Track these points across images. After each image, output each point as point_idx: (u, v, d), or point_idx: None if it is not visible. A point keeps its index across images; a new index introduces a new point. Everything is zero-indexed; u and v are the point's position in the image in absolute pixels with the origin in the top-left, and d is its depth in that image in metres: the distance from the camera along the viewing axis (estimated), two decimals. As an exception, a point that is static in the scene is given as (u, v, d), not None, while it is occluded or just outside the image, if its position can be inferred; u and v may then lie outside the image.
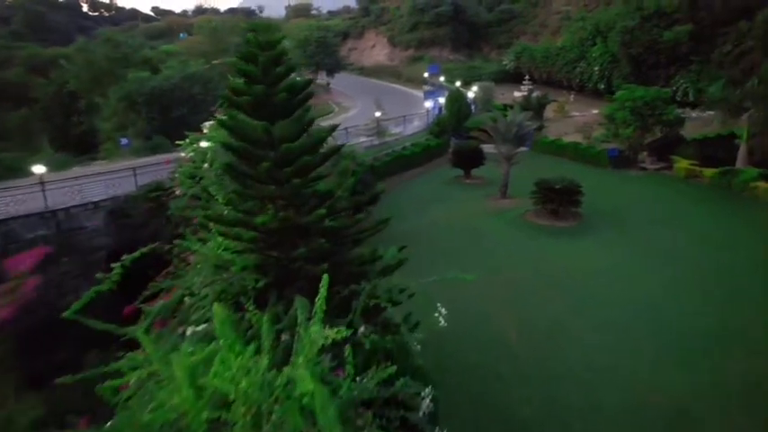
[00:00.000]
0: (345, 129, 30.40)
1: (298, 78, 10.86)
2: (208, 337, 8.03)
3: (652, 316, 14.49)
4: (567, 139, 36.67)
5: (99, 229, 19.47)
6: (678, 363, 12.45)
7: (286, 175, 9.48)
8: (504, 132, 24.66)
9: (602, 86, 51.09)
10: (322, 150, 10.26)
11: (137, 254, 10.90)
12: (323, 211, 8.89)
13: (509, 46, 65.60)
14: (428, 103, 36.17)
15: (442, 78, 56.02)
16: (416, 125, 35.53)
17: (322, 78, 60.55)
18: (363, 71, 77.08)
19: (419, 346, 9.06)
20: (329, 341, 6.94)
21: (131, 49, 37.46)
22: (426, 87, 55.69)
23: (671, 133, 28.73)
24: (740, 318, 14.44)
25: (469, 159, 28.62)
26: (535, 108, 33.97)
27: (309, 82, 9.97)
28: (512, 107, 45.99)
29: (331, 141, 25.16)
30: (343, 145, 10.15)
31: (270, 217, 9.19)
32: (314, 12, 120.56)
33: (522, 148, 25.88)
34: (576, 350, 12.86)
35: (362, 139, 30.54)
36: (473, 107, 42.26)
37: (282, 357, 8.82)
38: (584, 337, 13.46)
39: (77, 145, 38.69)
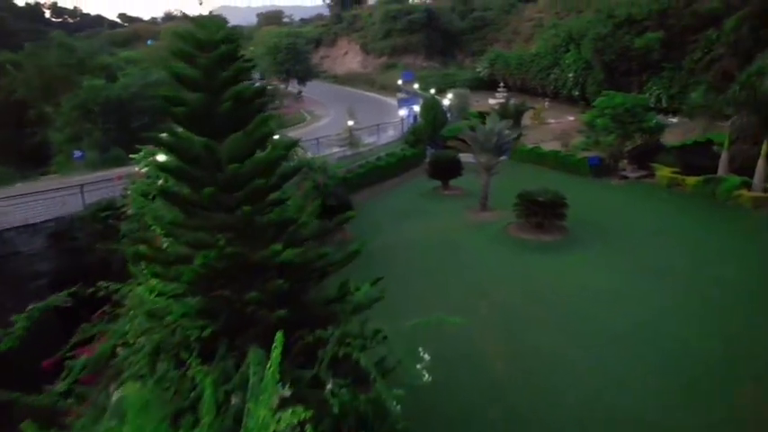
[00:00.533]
0: (317, 139, 28.82)
1: (258, 84, 9.27)
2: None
3: (653, 342, 13.24)
4: (545, 146, 35.81)
5: (39, 254, 17.34)
6: (686, 396, 11.19)
7: (235, 201, 7.83)
8: (484, 142, 23.43)
9: (577, 93, 50.76)
10: (282, 169, 8.64)
11: (59, 297, 9.11)
12: (278, 247, 7.25)
13: (483, 53, 65.03)
14: (402, 112, 34.87)
15: (416, 86, 54.93)
16: (391, 134, 34.16)
17: (293, 86, 58.89)
18: (336, 79, 75.59)
19: (399, 406, 7.50)
20: (284, 426, 5.41)
21: (87, 55, 35.10)
22: (400, 95, 54.51)
23: (651, 141, 28.00)
24: (744, 338, 13.34)
25: (447, 170, 27.32)
26: (513, 116, 33.00)
27: (263, 90, 8.34)
28: (488, 115, 45.23)
29: (301, 154, 23.57)
30: (299, 168, 8.47)
31: (216, 253, 7.53)
32: (285, 20, 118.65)
33: (502, 158, 24.66)
34: (574, 387, 11.46)
35: (335, 149, 28.97)
36: (448, 115, 41.14)
37: (232, 427, 7.11)
38: (582, 371, 12.09)
39: (30, 158, 36.04)
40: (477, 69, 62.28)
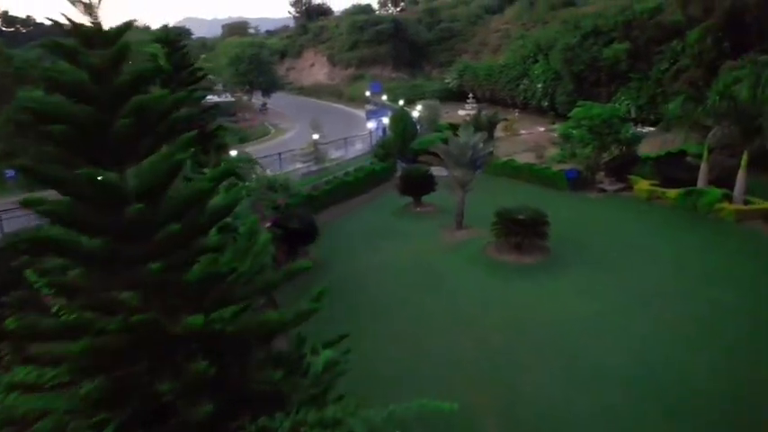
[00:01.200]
0: (279, 154, 26.73)
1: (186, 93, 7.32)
2: None
3: (654, 382, 11.66)
4: (518, 158, 34.57)
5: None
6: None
7: (145, 252, 5.76)
8: (458, 156, 21.81)
9: (546, 104, 50.18)
10: (213, 206, 6.60)
11: None
12: (197, 319, 5.23)
13: (450, 64, 64.19)
14: (371, 124, 33.14)
15: (384, 97, 53.44)
16: (359, 148, 32.34)
17: (258, 98, 56.50)
18: (303, 91, 73.54)
19: None
20: None
21: (26, 65, 32.13)
22: (369, 107, 52.86)
23: (628, 152, 26.99)
24: (755, 372, 11.92)
25: (419, 186, 25.60)
26: (485, 127, 31.66)
27: (180, 99, 6.31)
28: (459, 126, 43.99)
29: (260, 172, 21.46)
30: (231, 206, 6.39)
31: (117, 325, 5.46)
32: (251, 31, 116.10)
33: (477, 172, 23.09)
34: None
35: (299, 165, 26.92)
36: (418, 127, 39.61)
37: None
38: (587, 424, 10.36)
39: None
40: (446, 80, 61.31)
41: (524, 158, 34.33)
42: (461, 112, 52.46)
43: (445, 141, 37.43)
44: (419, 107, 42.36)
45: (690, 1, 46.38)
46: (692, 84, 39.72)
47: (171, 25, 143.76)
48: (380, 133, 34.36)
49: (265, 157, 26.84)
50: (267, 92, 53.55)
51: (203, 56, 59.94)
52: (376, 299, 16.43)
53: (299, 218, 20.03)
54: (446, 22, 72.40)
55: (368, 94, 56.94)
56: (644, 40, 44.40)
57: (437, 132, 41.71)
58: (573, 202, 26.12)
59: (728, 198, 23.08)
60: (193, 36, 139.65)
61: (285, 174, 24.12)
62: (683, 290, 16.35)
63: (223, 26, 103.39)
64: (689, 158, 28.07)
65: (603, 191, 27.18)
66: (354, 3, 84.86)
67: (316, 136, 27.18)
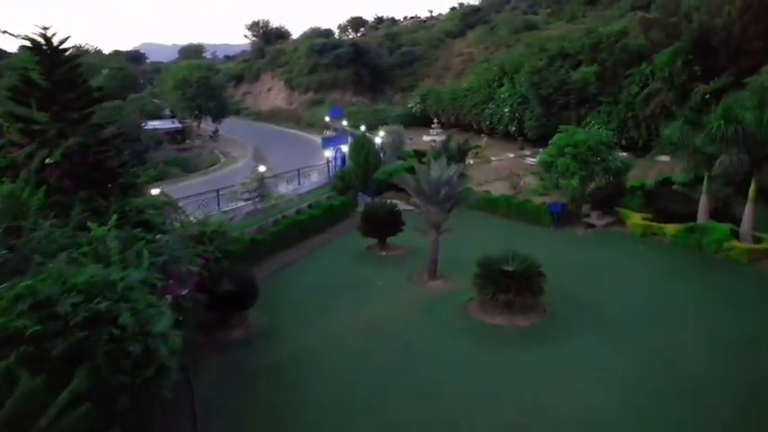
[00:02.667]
0: (217, 191, 22.13)
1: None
2: None
3: None
4: (491, 188, 31.11)
5: None
6: None
7: None
8: (430, 193, 17.83)
9: (514, 128, 47.50)
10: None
11: None
12: None
13: (413, 88, 61.23)
14: (328, 153, 29.05)
15: (344, 123, 49.59)
16: (315, 180, 28.08)
17: (207, 124, 51.60)
18: (260, 116, 68.98)
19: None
20: None
21: None
22: (329, 133, 48.86)
23: (616, 182, 23.76)
24: None
25: (384, 225, 21.47)
26: (455, 156, 28.03)
27: None
28: (424, 153, 40.53)
29: (188, 217, 16.82)
30: None
31: None
32: (207, 55, 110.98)
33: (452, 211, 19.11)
34: None
35: (241, 203, 22.39)
36: (382, 155, 35.75)
37: None
38: None
39: None
40: (409, 105, 58.18)
41: (498, 188, 30.86)
42: (426, 138, 49.18)
43: (412, 171, 33.71)
44: (382, 133, 38.61)
45: (651, 26, 45.22)
46: (665, 107, 37.81)
47: (127, 50, 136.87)
48: (339, 163, 30.27)
49: (201, 194, 22.20)
50: (217, 117, 48.80)
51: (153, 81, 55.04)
52: (327, 404, 11.87)
53: (234, 276, 15.50)
54: (407, 46, 69.78)
55: (327, 119, 52.98)
56: (611, 63, 42.43)
57: (402, 160, 38.00)
58: (560, 240, 22.49)
59: (735, 234, 19.95)
60: (149, 60, 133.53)
61: (221, 216, 19.52)
62: (724, 367, 12.63)
63: (179, 51, 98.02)
64: (675, 186, 25.21)
65: (591, 226, 23.74)
66: (313, 26, 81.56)
67: (262, 168, 22.81)
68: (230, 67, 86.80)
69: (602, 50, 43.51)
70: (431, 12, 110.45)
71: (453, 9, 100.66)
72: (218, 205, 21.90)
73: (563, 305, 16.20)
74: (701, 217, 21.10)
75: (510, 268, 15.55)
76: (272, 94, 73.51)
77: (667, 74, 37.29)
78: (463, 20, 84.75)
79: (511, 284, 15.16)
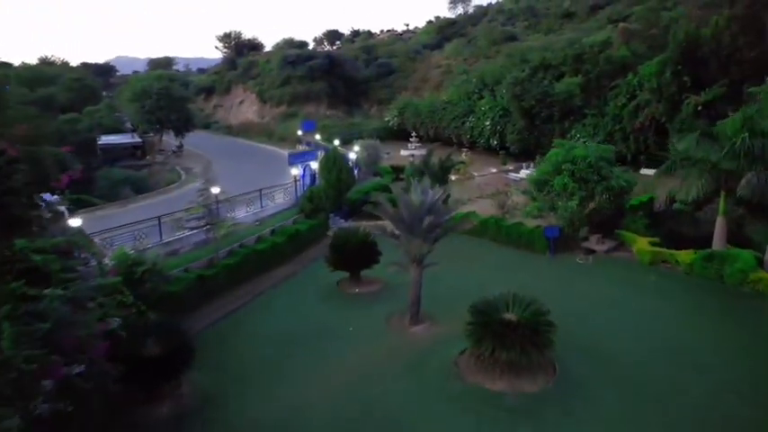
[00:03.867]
0: (158, 218, 18.44)
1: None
2: None
3: None
4: (476, 208, 28.05)
5: None
6: None
7: None
8: (411, 222, 14.55)
9: (496, 142, 44.82)
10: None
11: None
12: None
13: (390, 101, 58.33)
14: (295, 170, 25.61)
15: (317, 136, 46.21)
16: (280, 202, 24.55)
17: (169, 138, 47.50)
18: (231, 130, 65.11)
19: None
20: None
21: None
22: (302, 147, 45.41)
23: (619, 202, 20.89)
24: None
25: (357, 256, 18.07)
26: (437, 174, 24.93)
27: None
28: (402, 169, 37.46)
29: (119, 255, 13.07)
30: None
31: None
32: (180, 68, 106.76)
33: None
34: None
35: (187, 232, 18.74)
36: (356, 172, 32.49)
37: None
38: None
39: None
40: (386, 118, 55.18)
41: (483, 208, 27.82)
42: (404, 152, 46.13)
43: (388, 189, 30.45)
44: (357, 147, 35.37)
45: (632, 37, 43.36)
46: (654, 119, 35.59)
47: (98, 62, 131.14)
48: (309, 181, 26.87)
49: (139, 222, 18.44)
50: (181, 131, 44.88)
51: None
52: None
53: (162, 333, 11.89)
54: (384, 58, 67.09)
55: (300, 133, 49.53)
56: (596, 74, 40.19)
57: (378, 177, 34.79)
58: (559, 270, 19.41)
59: (759, 263, 17.19)
60: (119, 73, 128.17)
61: (155, 253, 15.86)
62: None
63: (148, 63, 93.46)
64: (675, 206, 22.52)
65: (592, 252, 20.76)
66: (287, 37, 78.29)
67: (215, 190, 19.24)
68: (202, 79, 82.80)
69: (586, 61, 41.29)
70: (407, 25, 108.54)
71: (430, 22, 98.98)
72: (161, 236, 18.18)
73: (575, 359, 13.01)
74: (718, 242, 18.34)
75: (512, 317, 12.33)
76: (244, 107, 69.77)
77: (656, 85, 35.09)
78: (440, 32, 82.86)
79: (514, 339, 11.90)
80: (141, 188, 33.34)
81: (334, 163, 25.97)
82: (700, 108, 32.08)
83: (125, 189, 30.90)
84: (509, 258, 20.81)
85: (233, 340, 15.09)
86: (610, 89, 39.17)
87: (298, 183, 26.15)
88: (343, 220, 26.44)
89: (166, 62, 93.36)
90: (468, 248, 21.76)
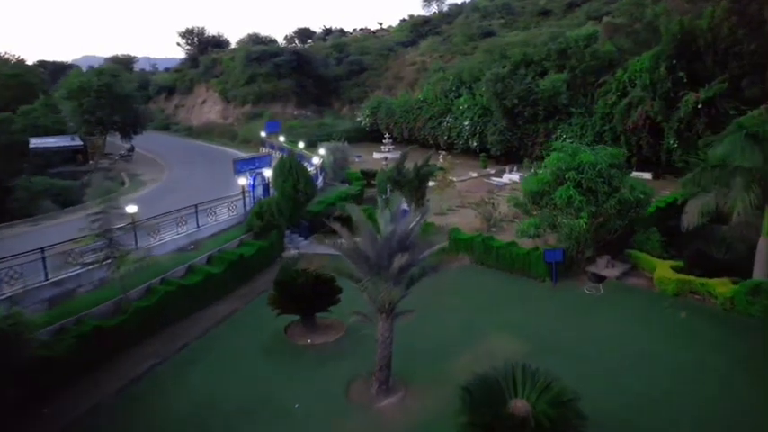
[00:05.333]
0: (42, 250, 13.61)
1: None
2: None
3: None
4: (455, 220, 23.98)
5: None
6: None
7: None
8: (377, 261, 10.20)
9: (475, 144, 40.90)
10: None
11: None
12: None
13: (362, 101, 53.93)
14: (243, 180, 20.91)
15: (281, 138, 41.49)
16: (224, 218, 19.86)
17: (113, 139, 41.76)
18: (192, 131, 59.64)
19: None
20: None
21: None
22: (265, 150, 40.65)
23: (637, 217, 16.93)
24: None
25: (310, 296, 13.59)
26: (412, 183, 20.64)
27: None
28: (374, 174, 33.12)
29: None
30: None
31: None
32: (146, 67, 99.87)
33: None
34: None
35: (80, 268, 13.97)
36: (320, 178, 28.00)
37: None
38: None
39: None
40: (358, 119, 50.76)
41: (465, 220, 23.75)
42: (377, 155, 41.78)
43: (359, 199, 26.06)
44: (322, 151, 30.86)
45: (615, 32, 40.03)
46: (648, 118, 32.15)
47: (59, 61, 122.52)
48: (261, 192, 22.29)
49: (16, 257, 13.52)
50: (128, 133, 39.47)
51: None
52: None
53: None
54: (355, 55, 62.55)
55: (263, 134, 44.71)
56: (581, 70, 36.54)
57: (346, 184, 30.33)
58: (565, 305, 15.31)
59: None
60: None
61: (16, 308, 11.11)
62: None
63: (105, 61, 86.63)
64: (685, 220, 18.75)
65: (600, 278, 16.76)
66: (251, 32, 73.07)
67: (131, 209, 14.49)
68: (164, 78, 76.72)
69: (571, 57, 37.57)
70: (380, 24, 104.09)
71: (403, 21, 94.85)
72: (45, 274, 13.35)
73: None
74: (761, 269, 14.54)
75: (524, 408, 8.11)
76: (206, 107, 64.30)
77: (648, 81, 31.56)
78: (414, 31, 78.73)
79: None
80: (70, 200, 28.10)
81: (290, 170, 21.44)
82: (700, 106, 28.79)
83: (46, 202, 25.66)
84: (501, 288, 16.67)
85: (125, 426, 10.50)
86: (597, 86, 35.67)
87: (247, 195, 21.51)
88: (302, 239, 21.94)
89: (128, 60, 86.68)
90: (452, 274, 17.50)
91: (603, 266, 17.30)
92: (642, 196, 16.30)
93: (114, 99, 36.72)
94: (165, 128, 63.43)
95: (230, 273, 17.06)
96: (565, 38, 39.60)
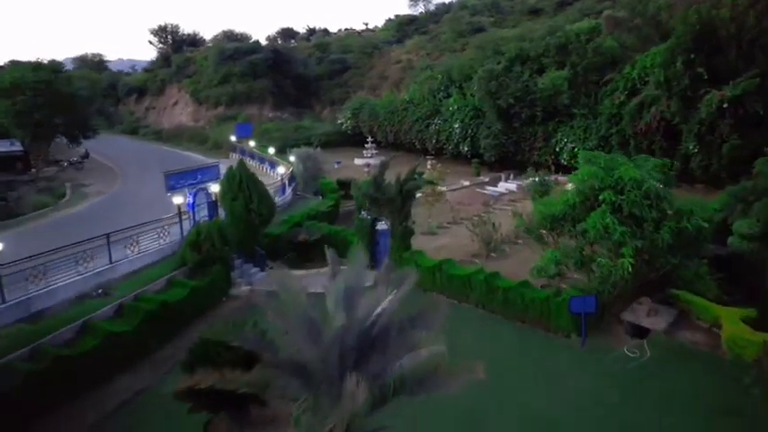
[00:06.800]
0: None
1: None
2: None
3: None
4: (447, 242, 19.61)
5: None
6: None
7: None
8: (323, 365, 5.62)
9: (467, 148, 36.63)
10: None
11: None
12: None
13: (345, 102, 49.36)
14: (179, 198, 16.09)
15: (252, 143, 36.74)
16: (153, 249, 15.08)
17: (60, 143, 36.41)
18: (161, 135, 54.51)
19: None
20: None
21: None
22: (236, 156, 35.77)
23: (694, 250, 12.52)
24: None
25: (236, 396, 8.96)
26: (394, 202, 16.02)
27: None
28: (350, 184, 28.32)
29: None
30: None
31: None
32: (124, 68, 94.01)
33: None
34: None
35: None
36: (287, 191, 23.33)
37: None
38: None
39: None
40: (339, 121, 46.17)
41: (459, 241, 19.38)
42: (359, 161, 37.18)
43: (332, 215, 21.48)
44: (292, 158, 26.16)
45: (617, 27, 35.99)
46: (663, 120, 28.11)
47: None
48: (207, 214, 17.55)
49: None
50: (75, 138, 34.27)
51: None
52: None
53: None
54: (337, 53, 57.93)
55: (233, 138, 39.88)
56: (583, 66, 32.42)
57: (319, 197, 25.67)
58: (603, 380, 10.78)
59: None
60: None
61: None
62: None
63: (73, 60, 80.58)
64: (731, 241, 14.51)
65: (641, 331, 12.35)
66: (226, 29, 68.07)
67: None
68: (137, 78, 71.30)
69: (572, 52, 33.43)
70: (366, 24, 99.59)
71: (389, 20, 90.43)
72: None
73: None
74: None
75: None
76: (178, 109, 59.17)
77: (663, 78, 27.41)
78: (400, 30, 74.42)
79: None
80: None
81: (241, 184, 16.73)
82: (725, 105, 24.74)
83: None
84: (511, 348, 12.18)
85: None
86: (603, 84, 31.58)
87: (188, 216, 16.77)
88: (258, 269, 17.27)
89: (97, 59, 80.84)
90: (446, 328, 12.93)
91: (644, 314, 12.89)
92: (706, 225, 11.89)
93: (55, 98, 31.55)
94: (134, 131, 58.22)
95: (147, 328, 12.34)
96: (564, 32, 35.53)
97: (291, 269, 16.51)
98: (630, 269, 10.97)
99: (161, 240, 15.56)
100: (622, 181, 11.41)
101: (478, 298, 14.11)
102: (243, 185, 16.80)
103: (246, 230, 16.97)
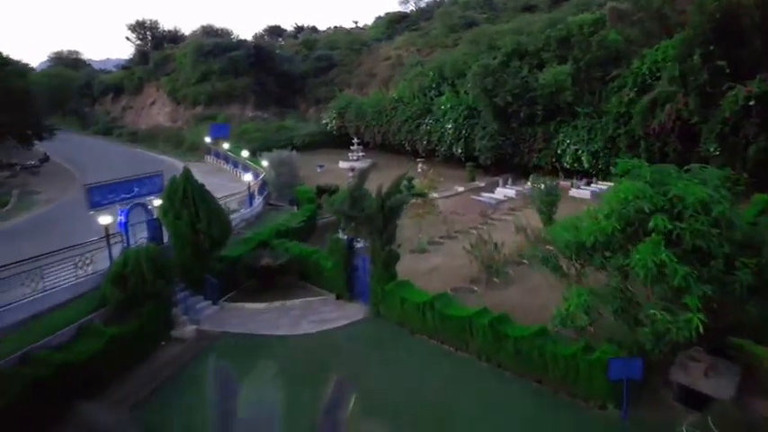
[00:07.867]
0: None
1: None
2: None
3: None
4: (439, 260, 16.41)
5: None
6: None
7: None
8: None
9: (460, 150, 33.44)
10: None
11: None
12: None
13: (330, 100, 45.95)
14: (107, 218, 12.59)
15: (226, 145, 33.22)
16: (68, 283, 11.64)
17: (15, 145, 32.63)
18: (137, 137, 50.74)
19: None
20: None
21: None
22: (211, 160, 32.37)
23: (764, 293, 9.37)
24: None
25: None
26: (374, 221, 12.67)
27: None
28: (333, 192, 24.87)
29: None
30: None
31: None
32: (107, 66, 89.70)
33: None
34: None
35: None
36: (257, 201, 19.88)
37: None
38: None
39: None
40: (324, 121, 42.75)
41: (452, 261, 16.18)
42: (343, 165, 33.74)
43: (305, 233, 18.11)
44: (264, 163, 22.70)
45: (620, 20, 32.96)
46: (679, 119, 25.11)
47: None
48: (147, 234, 14.11)
49: None
50: (26, 139, 30.63)
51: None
52: None
53: None
54: (323, 49, 54.45)
55: (208, 140, 36.32)
56: (586, 62, 29.32)
57: (293, 207, 22.21)
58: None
59: None
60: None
61: None
62: None
63: (48, 57, 76.20)
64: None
65: (697, 398, 9.19)
66: (205, 24, 64.26)
67: None
68: (113, 76, 67.27)
69: (574, 46, 30.32)
70: (356, 22, 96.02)
71: (379, 18, 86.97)
72: None
73: None
74: None
75: None
76: (155, 108, 55.40)
77: (678, 72, 24.41)
78: (390, 27, 71.01)
79: None
80: None
81: (186, 198, 13.29)
82: (752, 102, 21.76)
83: None
84: (524, 419, 8.90)
85: None
86: (609, 80, 28.51)
87: (121, 239, 13.32)
88: (208, 303, 13.85)
89: (74, 56, 76.64)
90: (439, 386, 9.66)
91: (700, 373, 9.65)
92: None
93: (2, 94, 27.86)
94: (108, 132, 54.39)
95: (31, 404, 8.88)
96: (566, 24, 32.43)
97: (249, 303, 13.12)
98: (699, 325, 7.74)
99: (79, 271, 12.06)
100: (682, 203, 8.17)
101: (481, 347, 10.80)
102: (188, 200, 13.35)
103: (193, 255, 13.54)
